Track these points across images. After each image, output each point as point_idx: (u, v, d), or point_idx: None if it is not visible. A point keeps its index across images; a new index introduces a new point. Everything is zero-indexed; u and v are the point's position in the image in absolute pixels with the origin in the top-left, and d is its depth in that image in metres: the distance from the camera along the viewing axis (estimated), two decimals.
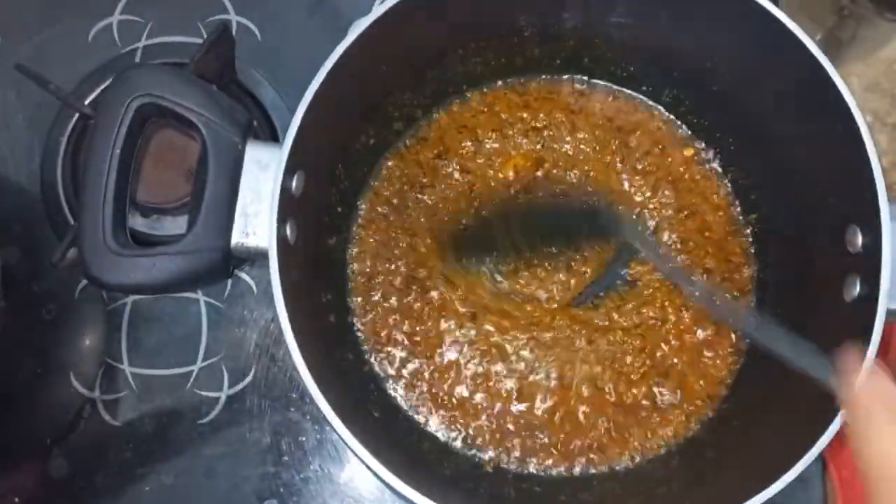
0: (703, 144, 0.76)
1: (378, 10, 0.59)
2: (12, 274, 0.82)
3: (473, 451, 0.70)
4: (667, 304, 0.72)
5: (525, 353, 0.71)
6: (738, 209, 0.75)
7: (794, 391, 0.58)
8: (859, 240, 0.56)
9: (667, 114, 0.77)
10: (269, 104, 0.83)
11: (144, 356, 0.79)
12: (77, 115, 0.82)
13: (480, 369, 0.71)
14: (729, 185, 0.75)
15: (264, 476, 0.76)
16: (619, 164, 0.76)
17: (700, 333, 0.72)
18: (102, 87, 0.83)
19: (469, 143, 0.76)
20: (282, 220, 0.56)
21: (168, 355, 0.79)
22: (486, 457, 0.70)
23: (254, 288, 0.80)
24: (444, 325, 0.72)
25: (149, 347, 0.79)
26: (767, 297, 0.71)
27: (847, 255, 0.56)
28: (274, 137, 0.82)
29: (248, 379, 0.78)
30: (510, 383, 0.71)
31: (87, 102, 0.81)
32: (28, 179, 0.83)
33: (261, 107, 0.83)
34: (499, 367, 0.71)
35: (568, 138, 0.76)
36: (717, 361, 0.71)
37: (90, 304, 0.80)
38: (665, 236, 0.74)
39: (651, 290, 0.72)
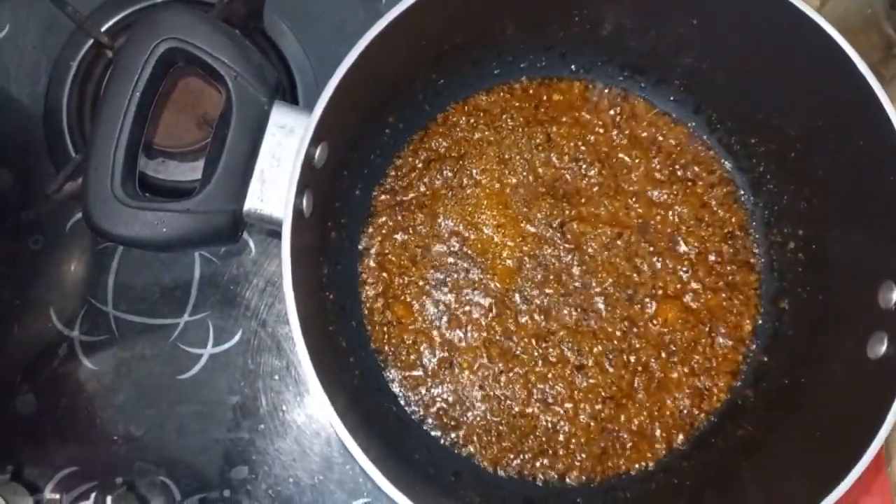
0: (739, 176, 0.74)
1: None
2: (2, 197, 0.78)
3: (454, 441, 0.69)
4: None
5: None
6: (757, 246, 0.72)
7: None
8: (894, 296, 0.54)
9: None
10: (292, 59, 0.80)
11: (131, 302, 0.76)
12: (91, 41, 0.78)
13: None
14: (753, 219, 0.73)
15: (237, 441, 0.74)
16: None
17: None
18: (121, 15, 0.79)
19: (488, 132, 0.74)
20: (300, 191, 0.53)
21: (155, 304, 0.76)
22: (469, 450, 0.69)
23: (252, 248, 0.77)
24: (459, 333, 0.71)
25: (136, 294, 0.76)
26: (779, 342, 0.69)
27: (877, 311, 0.54)
28: (294, 95, 0.79)
29: (234, 340, 0.75)
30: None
31: (103, 30, 0.77)
32: (30, 101, 0.79)
33: (283, 60, 0.80)
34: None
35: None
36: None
37: (80, 241, 0.77)
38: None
39: None
